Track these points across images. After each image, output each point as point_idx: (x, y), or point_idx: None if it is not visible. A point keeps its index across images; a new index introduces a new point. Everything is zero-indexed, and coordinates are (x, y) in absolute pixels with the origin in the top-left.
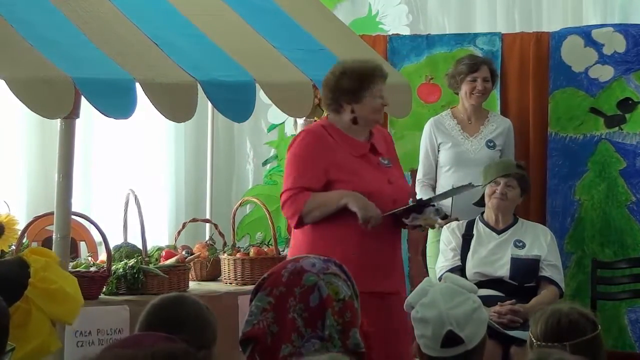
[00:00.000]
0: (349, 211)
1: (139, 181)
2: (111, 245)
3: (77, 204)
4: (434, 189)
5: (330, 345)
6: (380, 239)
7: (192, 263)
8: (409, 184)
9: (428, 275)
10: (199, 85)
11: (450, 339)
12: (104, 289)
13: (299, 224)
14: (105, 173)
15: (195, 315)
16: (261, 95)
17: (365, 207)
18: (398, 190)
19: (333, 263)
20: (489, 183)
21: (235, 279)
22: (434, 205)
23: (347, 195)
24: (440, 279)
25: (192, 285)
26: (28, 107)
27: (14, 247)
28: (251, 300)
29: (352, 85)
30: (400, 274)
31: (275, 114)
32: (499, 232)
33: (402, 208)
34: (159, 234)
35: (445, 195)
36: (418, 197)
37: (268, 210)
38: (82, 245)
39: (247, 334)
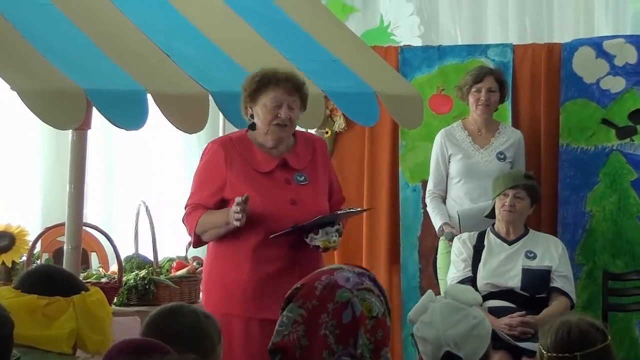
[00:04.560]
0: (248, 232)
1: (152, 192)
2: (122, 257)
3: (96, 215)
4: (444, 200)
5: None
6: (279, 261)
7: (202, 274)
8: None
9: (439, 287)
10: (210, 96)
11: (449, 359)
12: (115, 299)
13: (198, 242)
14: (120, 184)
15: (191, 325)
16: None
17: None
18: (303, 211)
19: (367, 277)
20: (498, 195)
21: None
22: (334, 225)
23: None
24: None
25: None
26: (40, 119)
27: (25, 257)
28: (283, 309)
29: (251, 86)
30: None
31: None
32: (510, 243)
33: (282, 232)
34: (171, 245)
35: (323, 219)
36: (349, 209)
37: None
38: (94, 256)
39: (276, 345)
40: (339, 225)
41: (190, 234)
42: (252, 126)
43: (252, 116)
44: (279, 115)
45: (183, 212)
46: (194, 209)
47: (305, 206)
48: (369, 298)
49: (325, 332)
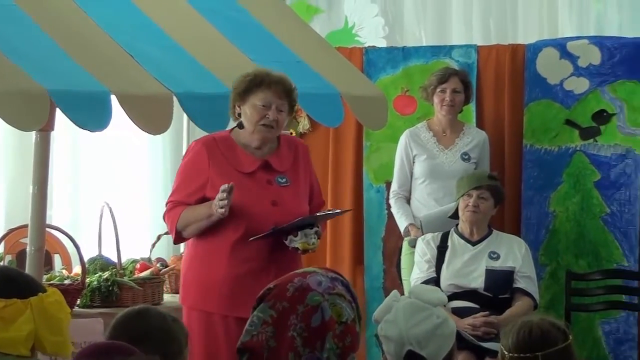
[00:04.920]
0: (228, 230)
1: (117, 193)
2: (86, 258)
3: (61, 217)
4: (408, 200)
5: None
6: (256, 261)
7: (166, 275)
8: (386, 195)
9: (403, 287)
10: (174, 97)
11: (412, 358)
12: (78, 301)
13: (178, 238)
14: (86, 185)
15: (159, 327)
16: None
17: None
18: (284, 212)
19: (340, 282)
20: (462, 196)
21: None
22: (312, 227)
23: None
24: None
25: (167, 297)
26: (3, 120)
27: None
28: (254, 309)
29: (242, 85)
30: None
31: None
32: (473, 244)
33: (261, 235)
34: (134, 247)
35: (303, 221)
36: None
37: None
38: (57, 258)
39: (245, 344)
40: (318, 227)
41: (171, 230)
42: (239, 125)
43: (239, 115)
44: (267, 116)
45: (164, 208)
46: (175, 205)
47: (285, 207)
48: (340, 303)
49: (293, 334)
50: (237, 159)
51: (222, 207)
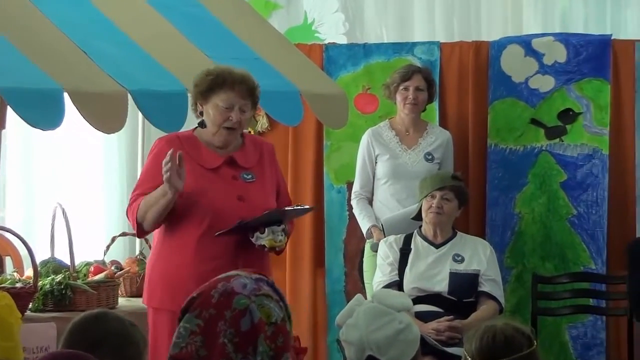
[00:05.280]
0: (193, 226)
1: (70, 194)
2: (38, 261)
3: (15, 218)
4: (370, 201)
5: None
6: (222, 258)
7: (121, 279)
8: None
9: (365, 291)
10: (129, 94)
11: None
12: (31, 305)
13: (141, 231)
14: (39, 186)
15: (116, 332)
16: None
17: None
18: (250, 207)
19: (265, 282)
20: (425, 197)
21: None
22: (280, 224)
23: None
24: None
25: (122, 301)
26: None
27: None
28: (179, 321)
29: (204, 84)
30: None
31: None
32: (437, 246)
33: (227, 229)
34: (88, 249)
35: (270, 215)
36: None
37: None
38: (8, 261)
39: (174, 357)
40: (285, 225)
41: (133, 223)
42: (201, 124)
43: (201, 113)
44: (230, 118)
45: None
46: (137, 198)
47: (252, 203)
48: (268, 304)
49: (223, 340)
50: (201, 156)
51: (166, 172)
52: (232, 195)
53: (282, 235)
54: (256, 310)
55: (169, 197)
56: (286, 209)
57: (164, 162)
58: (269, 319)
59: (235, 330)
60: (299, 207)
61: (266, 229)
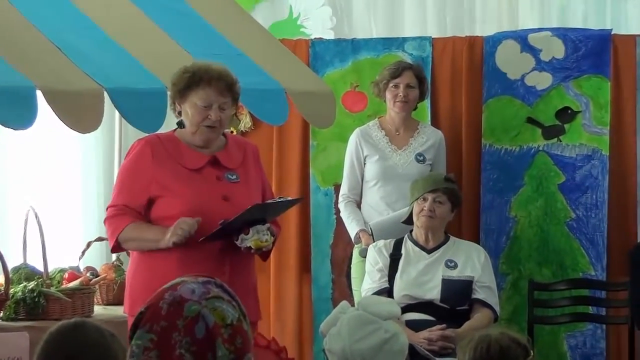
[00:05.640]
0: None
1: (44, 197)
2: (9, 267)
3: None
4: (359, 205)
5: None
6: (208, 261)
7: (97, 286)
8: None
9: (353, 298)
10: (105, 92)
11: None
12: (1, 314)
13: (116, 248)
14: (11, 188)
15: (95, 342)
16: None
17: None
18: (236, 207)
19: (213, 284)
20: (417, 200)
21: None
22: (264, 223)
23: (165, 235)
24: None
25: (98, 309)
26: None
27: None
28: (130, 339)
29: (181, 82)
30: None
31: None
32: (429, 252)
33: (210, 234)
34: (62, 255)
35: (252, 212)
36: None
37: None
38: None
39: None
40: (270, 225)
41: (110, 239)
42: (180, 123)
43: (180, 113)
44: (209, 116)
45: (107, 213)
46: (120, 211)
47: (237, 202)
48: (220, 306)
49: (180, 351)
50: (183, 156)
51: (177, 235)
52: (217, 195)
53: (267, 235)
54: (209, 314)
55: (160, 246)
56: (268, 201)
57: (180, 228)
58: (224, 321)
59: (191, 338)
60: (283, 200)
61: (250, 229)
